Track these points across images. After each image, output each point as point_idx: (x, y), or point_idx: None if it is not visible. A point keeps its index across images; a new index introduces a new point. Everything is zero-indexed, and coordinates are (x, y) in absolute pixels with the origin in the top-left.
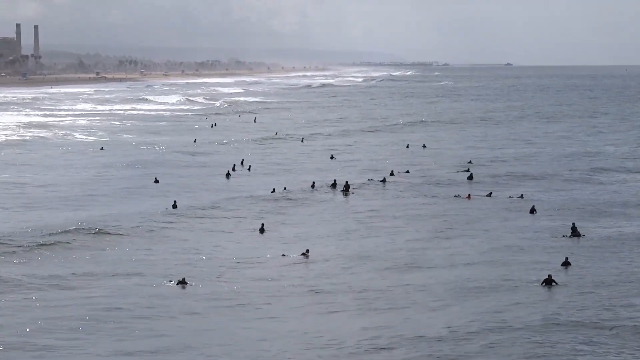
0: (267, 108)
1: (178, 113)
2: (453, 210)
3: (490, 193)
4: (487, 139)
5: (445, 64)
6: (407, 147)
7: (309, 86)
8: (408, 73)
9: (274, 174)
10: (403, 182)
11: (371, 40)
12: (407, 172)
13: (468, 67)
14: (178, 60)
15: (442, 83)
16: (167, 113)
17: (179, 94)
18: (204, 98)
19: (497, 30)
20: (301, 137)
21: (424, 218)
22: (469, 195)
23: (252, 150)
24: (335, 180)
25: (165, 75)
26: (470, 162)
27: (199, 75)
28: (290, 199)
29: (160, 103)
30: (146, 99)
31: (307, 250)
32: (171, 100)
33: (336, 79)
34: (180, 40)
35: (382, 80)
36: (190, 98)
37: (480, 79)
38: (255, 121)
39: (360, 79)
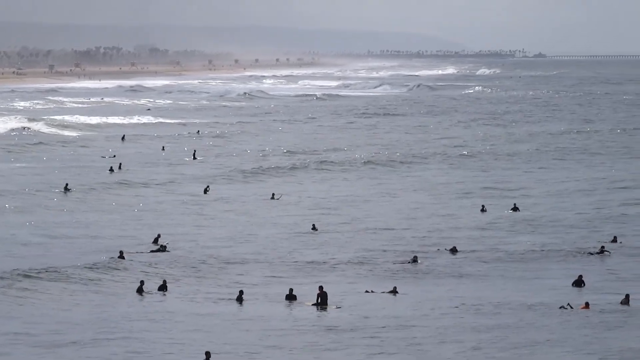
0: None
1: None
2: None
3: (627, 297)
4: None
5: (539, 55)
6: (515, 209)
7: (222, 96)
8: (448, 71)
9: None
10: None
11: (407, 13)
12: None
13: (585, 61)
14: (44, 47)
15: (476, 89)
16: None
17: None
18: None
19: None
20: (271, 193)
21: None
22: (587, 304)
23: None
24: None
25: (9, 75)
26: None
27: (80, 75)
28: None
29: None
30: None
31: None
32: None
33: (299, 84)
34: (46, 12)
35: (381, 85)
36: None
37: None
38: (194, 157)
39: (335, 84)
